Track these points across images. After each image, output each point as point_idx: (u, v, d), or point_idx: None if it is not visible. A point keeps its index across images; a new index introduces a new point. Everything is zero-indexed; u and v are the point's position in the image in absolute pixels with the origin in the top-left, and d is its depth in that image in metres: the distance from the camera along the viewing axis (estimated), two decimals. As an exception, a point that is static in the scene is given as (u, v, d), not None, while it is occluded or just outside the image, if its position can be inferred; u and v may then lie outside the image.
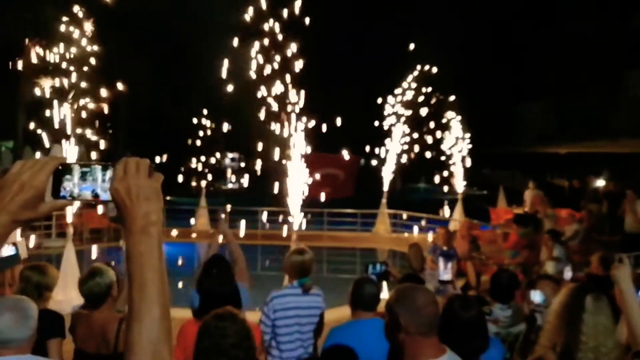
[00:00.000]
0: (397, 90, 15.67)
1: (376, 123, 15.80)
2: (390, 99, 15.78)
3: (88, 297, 3.09)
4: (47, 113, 8.98)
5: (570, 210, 14.22)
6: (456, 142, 16.17)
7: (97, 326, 3.04)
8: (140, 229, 1.05)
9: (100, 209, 11.94)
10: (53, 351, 3.19)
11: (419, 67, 15.64)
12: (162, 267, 1.05)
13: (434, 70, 15.67)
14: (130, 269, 1.04)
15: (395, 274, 4.30)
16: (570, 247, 9.29)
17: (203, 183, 16.01)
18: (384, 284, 4.49)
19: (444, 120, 16.04)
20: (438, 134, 15.82)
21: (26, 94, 20.22)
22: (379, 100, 15.89)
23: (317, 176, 14.73)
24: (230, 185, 42.68)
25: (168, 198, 23.87)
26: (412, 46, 14.49)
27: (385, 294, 4.20)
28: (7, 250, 6.03)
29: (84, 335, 3.10)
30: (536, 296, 3.54)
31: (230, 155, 60.20)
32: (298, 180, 8.23)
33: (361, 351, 2.79)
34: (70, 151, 8.82)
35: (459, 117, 16.13)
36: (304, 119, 8.18)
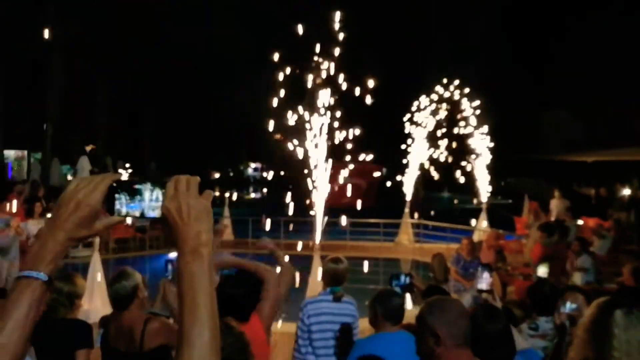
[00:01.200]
0: (422, 96, 15.63)
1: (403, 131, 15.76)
2: (413, 106, 15.76)
3: (115, 299, 3.22)
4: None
5: (598, 219, 13.94)
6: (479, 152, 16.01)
7: (125, 326, 3.18)
8: (191, 249, 1.04)
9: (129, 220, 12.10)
10: None
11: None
12: (212, 288, 1.05)
13: (458, 80, 15.62)
14: (182, 290, 1.03)
15: (420, 286, 4.25)
16: (599, 257, 9.07)
17: (226, 193, 16.15)
18: (408, 295, 4.46)
19: (468, 129, 15.91)
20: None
21: (54, 109, 20.92)
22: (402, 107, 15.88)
23: (338, 186, 14.83)
24: (252, 195, 43.02)
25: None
26: (438, 53, 14.46)
27: (409, 306, 4.17)
28: None
29: (114, 335, 3.25)
30: (565, 308, 3.46)
31: (252, 165, 60.81)
32: (321, 190, 8.22)
33: (389, 364, 2.77)
34: (97, 162, 9.00)
35: (485, 126, 15.96)
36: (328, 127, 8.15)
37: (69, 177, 16.65)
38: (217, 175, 46.91)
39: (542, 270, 3.94)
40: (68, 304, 3.40)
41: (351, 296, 4.17)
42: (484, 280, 3.69)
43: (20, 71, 20.47)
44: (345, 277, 4.04)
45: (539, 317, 3.56)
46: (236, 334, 2.31)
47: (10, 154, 29.16)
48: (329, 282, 3.99)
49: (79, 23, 20.95)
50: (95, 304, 7.83)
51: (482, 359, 2.52)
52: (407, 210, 15.72)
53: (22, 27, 19.71)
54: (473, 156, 16.13)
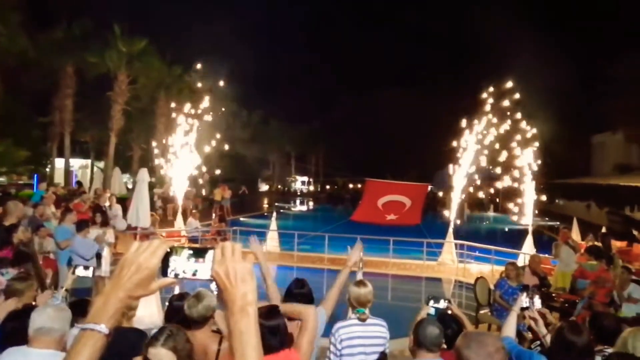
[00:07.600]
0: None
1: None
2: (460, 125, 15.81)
3: (198, 318, 3.35)
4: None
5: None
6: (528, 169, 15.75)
7: (199, 344, 3.26)
8: (239, 309, 1.19)
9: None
10: None
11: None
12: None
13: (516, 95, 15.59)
14: (233, 346, 1.18)
15: (457, 314, 4.25)
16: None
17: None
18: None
19: (516, 148, 15.71)
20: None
21: (116, 120, 22.27)
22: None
23: (381, 203, 14.94)
24: (299, 208, 43.53)
25: (241, 219, 24.84)
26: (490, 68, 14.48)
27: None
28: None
29: None
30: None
31: (300, 178, 61.59)
32: (365, 207, 8.42)
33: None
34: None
35: (535, 145, 15.70)
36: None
37: (129, 186, 17.53)
38: (265, 187, 47.73)
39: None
40: (125, 315, 3.61)
41: (384, 314, 4.24)
42: (524, 301, 3.75)
43: (88, 85, 22.06)
44: (370, 299, 4.11)
45: (605, 349, 3.51)
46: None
47: (75, 162, 30.96)
48: (354, 305, 4.07)
49: (143, 42, 22.37)
50: (151, 309, 8.24)
51: None
52: (450, 230, 15.69)
53: (92, 46, 21.24)
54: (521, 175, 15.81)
